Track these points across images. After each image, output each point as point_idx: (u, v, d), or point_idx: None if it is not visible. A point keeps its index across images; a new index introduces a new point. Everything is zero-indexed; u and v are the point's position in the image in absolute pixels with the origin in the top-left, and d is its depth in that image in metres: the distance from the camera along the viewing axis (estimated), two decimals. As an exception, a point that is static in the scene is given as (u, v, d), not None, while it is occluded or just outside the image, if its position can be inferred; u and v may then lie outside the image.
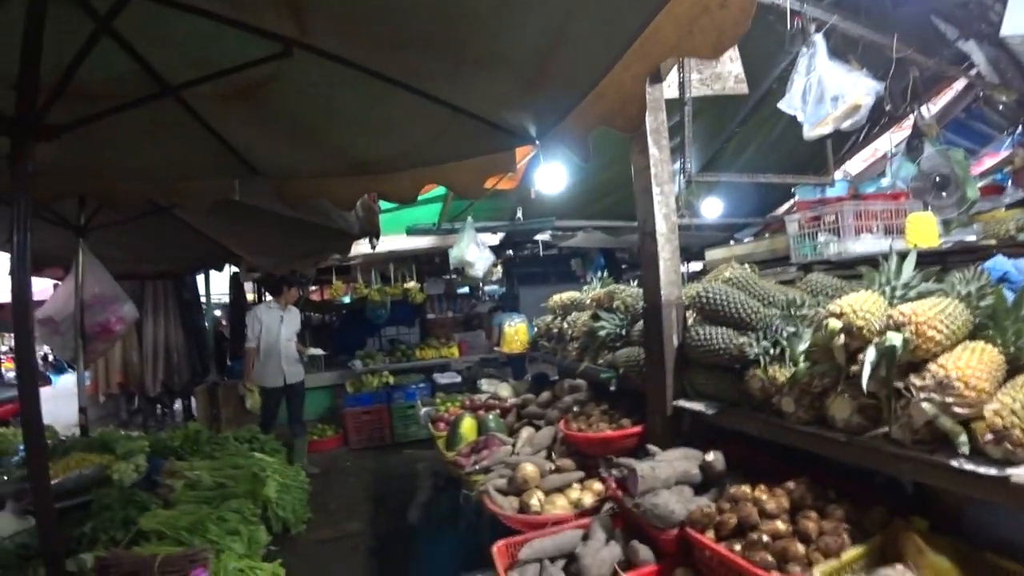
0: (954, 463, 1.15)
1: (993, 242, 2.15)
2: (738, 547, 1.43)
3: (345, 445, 6.66)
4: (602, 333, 2.34)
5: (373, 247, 4.26)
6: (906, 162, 3.07)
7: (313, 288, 8.50)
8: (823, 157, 4.20)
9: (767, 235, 2.88)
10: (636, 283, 2.49)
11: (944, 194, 2.72)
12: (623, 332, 2.29)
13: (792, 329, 1.49)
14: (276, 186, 2.73)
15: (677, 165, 3.91)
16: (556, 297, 3.07)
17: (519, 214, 5.18)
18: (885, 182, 3.12)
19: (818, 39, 2.80)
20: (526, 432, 2.72)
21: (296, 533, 2.73)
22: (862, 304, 1.33)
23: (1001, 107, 4.11)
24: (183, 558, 1.87)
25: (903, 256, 1.50)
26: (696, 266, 5.80)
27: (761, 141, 4.53)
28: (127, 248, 4.48)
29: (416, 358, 7.31)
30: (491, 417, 3.04)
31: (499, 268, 7.80)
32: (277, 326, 5.23)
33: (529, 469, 2.27)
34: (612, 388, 2.26)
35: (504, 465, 2.45)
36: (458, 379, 6.61)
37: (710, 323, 1.82)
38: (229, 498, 2.44)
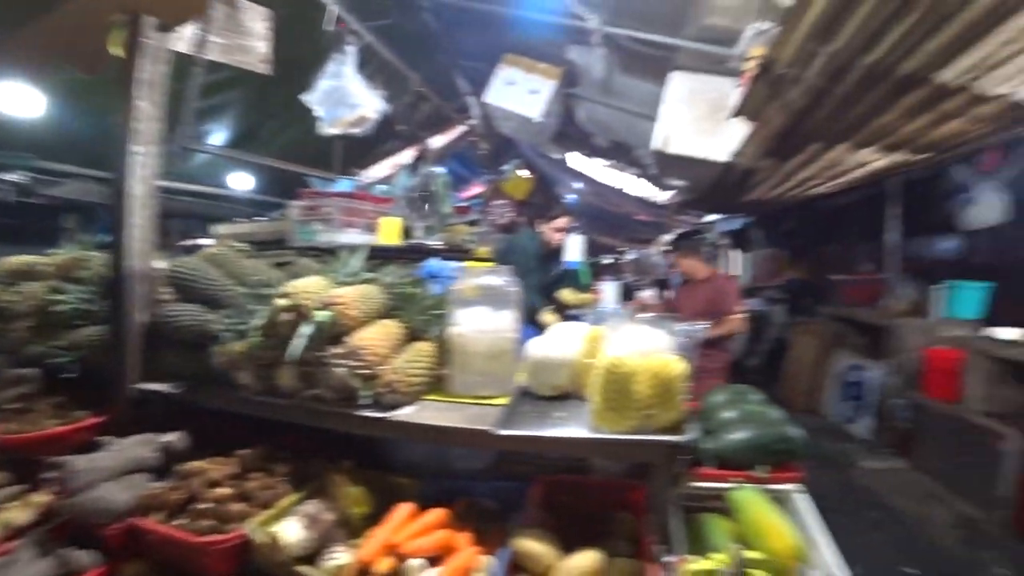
0: (360, 412, 1.51)
1: (438, 246, 2.88)
2: (184, 521, 1.49)
3: None
4: (63, 308, 2.01)
5: None
6: (407, 175, 3.78)
7: None
8: (352, 155, 4.76)
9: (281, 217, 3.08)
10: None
11: (426, 206, 3.50)
12: (92, 307, 2.03)
13: (253, 307, 1.64)
14: None
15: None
16: (3, 261, 2.44)
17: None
18: (388, 188, 3.78)
19: (351, 50, 3.16)
20: (-64, 446, 2.10)
21: None
22: (309, 287, 1.59)
23: (483, 152, 5.58)
24: None
25: (357, 249, 1.86)
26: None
27: (300, 127, 4.76)
28: None
29: None
30: None
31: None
32: None
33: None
34: (70, 375, 1.98)
35: None
36: None
37: (185, 300, 1.82)
38: None
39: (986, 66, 2.11)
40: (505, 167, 5.47)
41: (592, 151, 5.48)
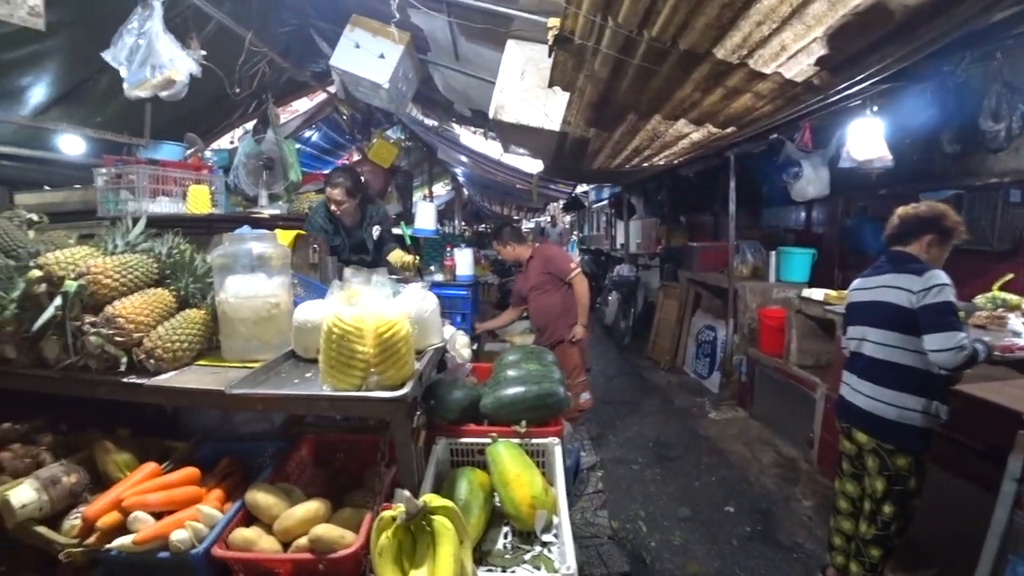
0: (122, 379, 1.56)
1: (259, 215, 2.91)
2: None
3: None
4: None
5: None
6: (251, 141, 3.72)
7: None
8: (205, 121, 4.54)
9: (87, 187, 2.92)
10: None
11: (267, 173, 3.47)
12: None
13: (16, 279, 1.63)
14: None
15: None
16: None
17: None
18: (214, 156, 3.69)
19: (156, 3, 2.96)
20: None
21: None
22: (67, 257, 1.61)
23: (345, 117, 5.49)
24: None
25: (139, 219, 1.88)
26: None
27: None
28: None
29: None
30: None
31: None
32: None
33: None
34: None
35: None
36: None
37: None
38: None
39: (750, 44, 2.35)
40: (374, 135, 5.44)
41: (459, 119, 5.54)
